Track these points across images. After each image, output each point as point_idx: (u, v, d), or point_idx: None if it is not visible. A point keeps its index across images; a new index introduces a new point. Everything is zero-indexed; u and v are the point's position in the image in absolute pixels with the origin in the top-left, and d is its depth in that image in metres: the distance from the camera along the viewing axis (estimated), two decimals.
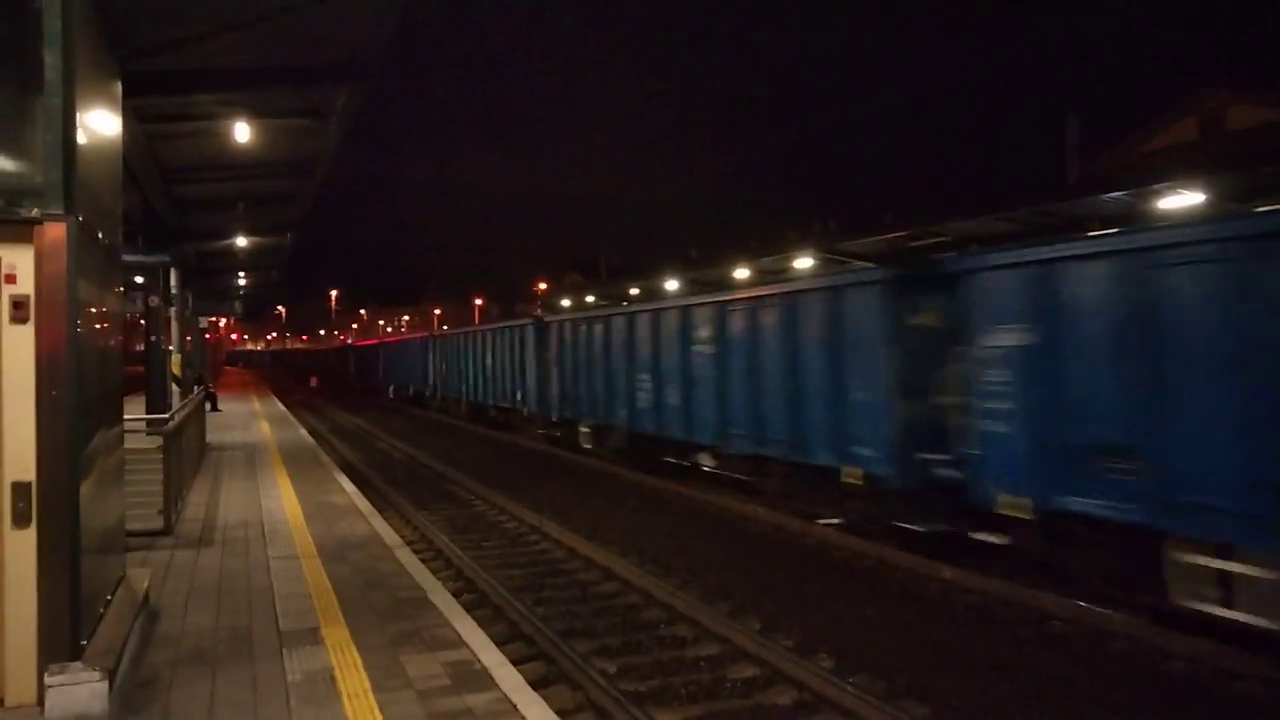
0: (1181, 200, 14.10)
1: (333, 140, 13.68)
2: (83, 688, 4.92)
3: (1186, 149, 29.03)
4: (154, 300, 19.70)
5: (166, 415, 12.30)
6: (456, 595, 8.87)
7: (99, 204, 5.87)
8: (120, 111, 7.07)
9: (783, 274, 23.17)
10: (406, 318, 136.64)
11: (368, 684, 5.57)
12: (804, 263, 22.29)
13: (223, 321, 64.00)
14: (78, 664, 5.01)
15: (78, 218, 4.99)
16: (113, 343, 6.46)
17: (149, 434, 12.03)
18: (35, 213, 4.84)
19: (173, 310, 22.37)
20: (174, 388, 21.75)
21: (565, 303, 41.83)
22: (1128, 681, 7.51)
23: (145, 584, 7.19)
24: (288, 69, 10.27)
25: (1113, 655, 8.10)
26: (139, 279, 21.21)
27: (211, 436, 21.08)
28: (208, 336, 44.32)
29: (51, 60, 4.89)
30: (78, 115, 5.14)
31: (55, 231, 4.88)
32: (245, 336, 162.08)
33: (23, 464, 4.96)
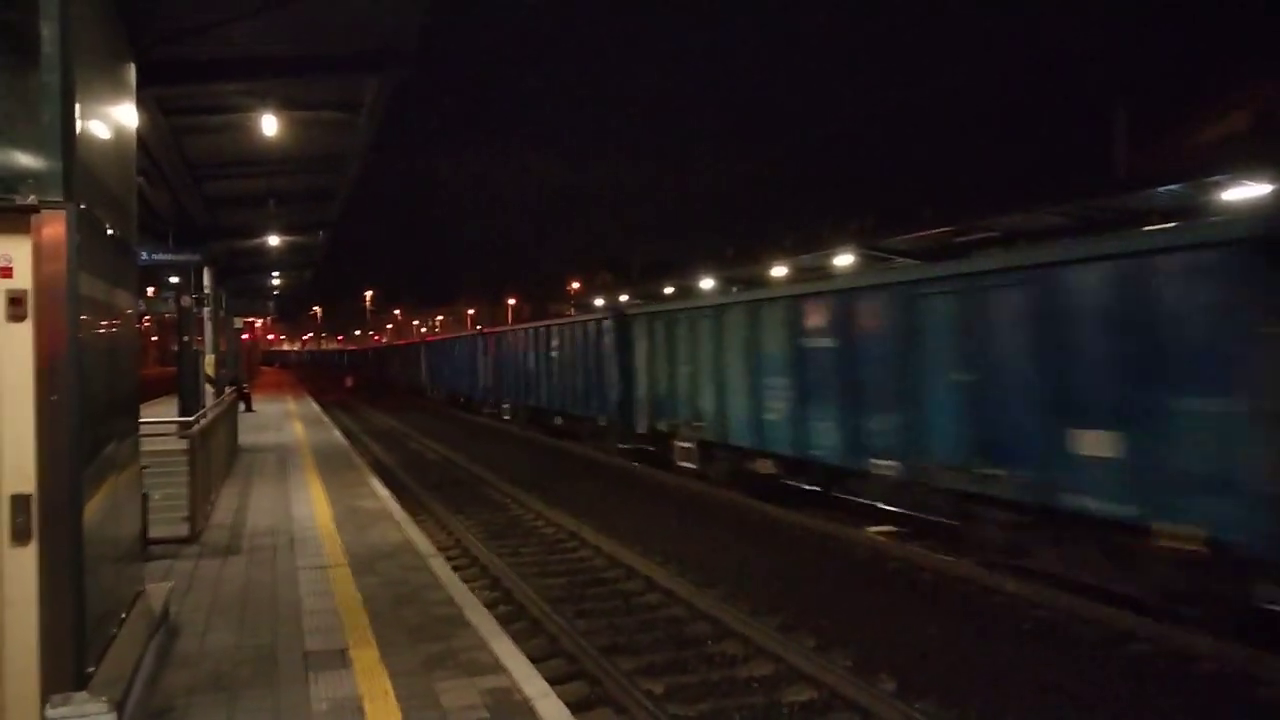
0: (1246, 191, 13.36)
1: (365, 135, 13.31)
2: None
3: (1239, 140, 28.07)
4: (185, 300, 19.48)
5: (192, 418, 11.94)
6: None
7: (107, 193, 5.44)
8: (134, 98, 6.66)
9: (823, 270, 22.61)
10: (441, 318, 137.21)
11: (399, 715, 5.09)
12: (844, 259, 21.70)
13: (258, 322, 64.32)
14: (82, 694, 4.55)
15: (79, 205, 4.55)
16: (125, 344, 6.03)
17: (180, 436, 11.69)
18: (32, 199, 4.39)
19: (206, 310, 22.21)
20: (208, 388, 21.57)
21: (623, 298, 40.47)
22: (1219, 709, 6.89)
23: (165, 598, 6.78)
24: (315, 58, 9.87)
25: (1200, 679, 7.46)
26: (173, 279, 21.04)
27: (244, 438, 20.82)
28: (244, 336, 44.42)
29: (48, 34, 4.45)
30: (81, 97, 4.70)
31: (54, 220, 4.43)
32: (282, 337, 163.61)
33: (22, 475, 4.52)
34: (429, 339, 54.74)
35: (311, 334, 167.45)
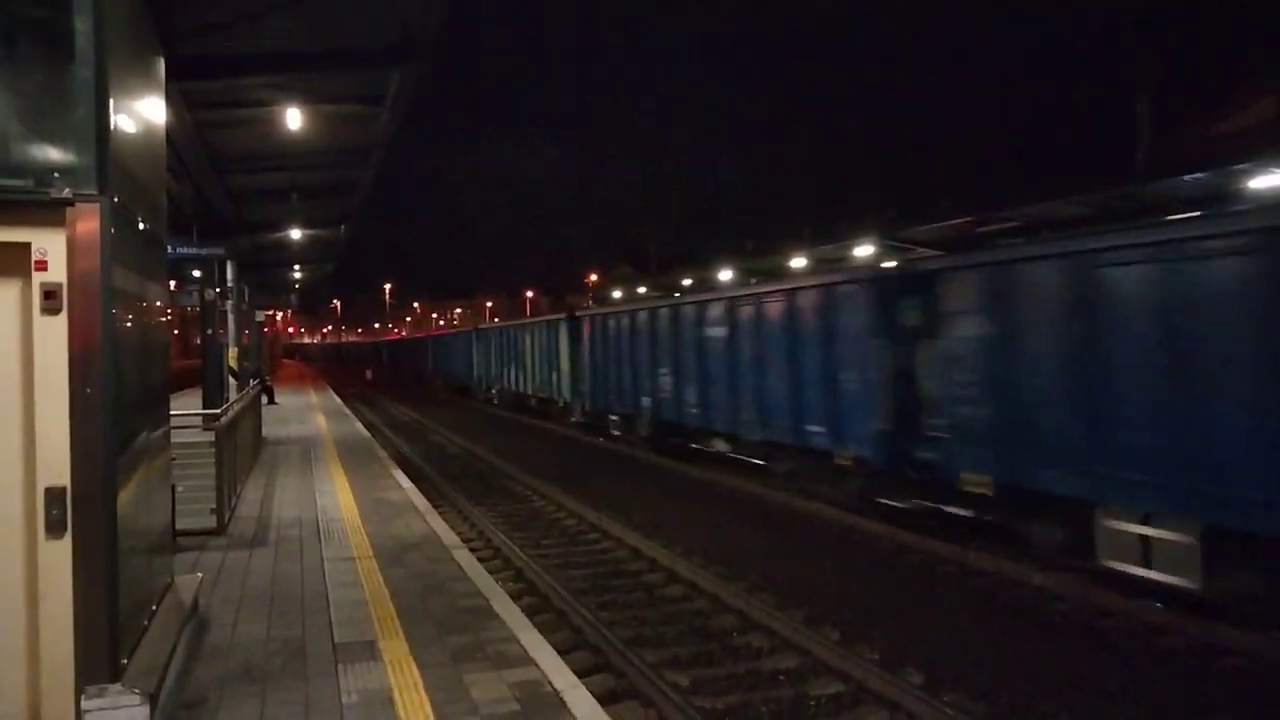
0: (1276, 180, 13.16)
1: (386, 128, 13.32)
2: (122, 713, 4.51)
3: (1267, 128, 27.60)
4: (209, 294, 19.55)
5: (219, 410, 12.00)
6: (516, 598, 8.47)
7: (139, 187, 5.46)
8: (163, 93, 6.67)
9: (841, 262, 22.46)
10: (459, 310, 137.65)
11: (429, 708, 5.10)
12: (864, 250, 21.55)
13: (279, 315, 64.60)
14: (117, 686, 4.60)
15: (113, 199, 4.56)
16: (156, 336, 6.05)
17: (205, 429, 11.77)
18: (66, 193, 4.41)
19: (229, 303, 22.32)
20: (231, 381, 21.68)
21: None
22: (1249, 703, 6.82)
23: (194, 590, 6.81)
24: (339, 51, 9.90)
25: (1228, 673, 7.40)
26: (196, 273, 21.13)
27: (268, 430, 20.95)
28: (265, 330, 44.61)
29: (83, 28, 4.46)
30: (114, 91, 4.72)
31: (88, 213, 4.45)
32: (301, 330, 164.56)
33: (57, 468, 4.55)
34: (525, 317, 30.92)
35: (330, 327, 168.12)
